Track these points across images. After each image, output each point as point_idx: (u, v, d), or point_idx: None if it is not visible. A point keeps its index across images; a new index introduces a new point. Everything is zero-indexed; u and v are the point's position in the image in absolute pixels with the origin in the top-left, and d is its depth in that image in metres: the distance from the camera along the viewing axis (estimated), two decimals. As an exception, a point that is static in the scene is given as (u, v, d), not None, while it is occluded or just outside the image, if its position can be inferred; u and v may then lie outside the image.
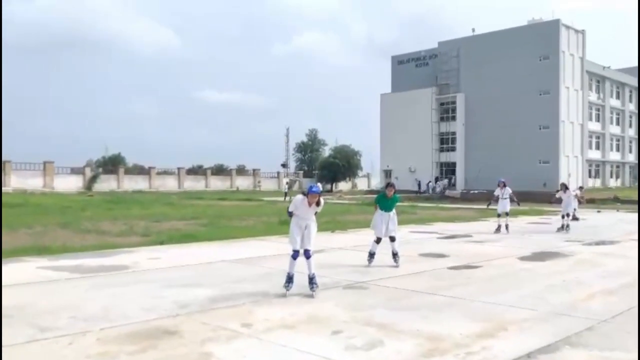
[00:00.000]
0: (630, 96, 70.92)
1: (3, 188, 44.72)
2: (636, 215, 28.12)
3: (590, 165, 62.61)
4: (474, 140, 59.98)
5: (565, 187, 20.03)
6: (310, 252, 7.83)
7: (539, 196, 43.93)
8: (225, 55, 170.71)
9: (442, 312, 6.94)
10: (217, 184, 72.96)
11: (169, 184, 68.48)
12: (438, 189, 56.90)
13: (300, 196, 7.94)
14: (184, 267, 10.20)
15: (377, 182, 72.19)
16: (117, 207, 28.18)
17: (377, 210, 10.67)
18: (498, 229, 17.51)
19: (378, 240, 10.61)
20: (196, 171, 78.27)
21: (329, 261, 10.89)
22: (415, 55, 67.79)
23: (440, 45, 64.32)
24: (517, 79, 56.33)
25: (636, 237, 16.43)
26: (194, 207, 30.09)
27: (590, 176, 61.34)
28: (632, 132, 71.08)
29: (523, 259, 11.83)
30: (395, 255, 10.56)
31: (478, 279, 9.40)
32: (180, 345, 5.38)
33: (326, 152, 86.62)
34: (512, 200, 18.37)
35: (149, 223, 19.00)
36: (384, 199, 10.63)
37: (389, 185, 10.82)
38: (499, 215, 18.07)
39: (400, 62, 68.91)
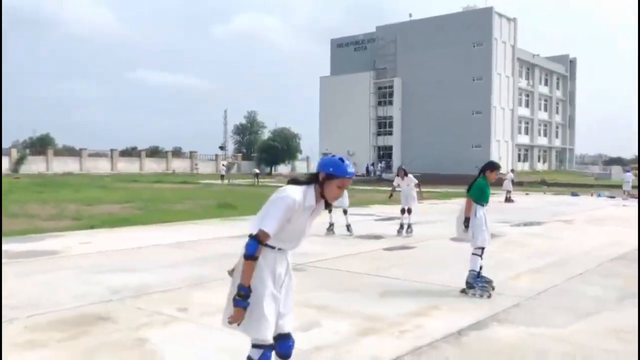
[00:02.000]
0: (558, 83, 74.00)
1: None
2: (562, 197, 29.59)
3: (520, 150, 65.14)
4: (411, 124, 61.11)
5: (404, 172, 13.25)
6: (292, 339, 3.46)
7: (471, 179, 45.46)
8: (165, 37, 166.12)
9: (378, 292, 7.08)
10: (152, 166, 71.24)
11: (101, 166, 66.27)
12: (378, 172, 57.82)
13: (300, 190, 3.27)
14: (117, 251, 9.93)
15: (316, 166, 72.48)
16: (46, 190, 27.06)
17: (474, 205, 7.21)
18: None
19: (483, 252, 7.26)
20: (130, 153, 76.14)
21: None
22: (353, 39, 68.12)
23: (378, 30, 64.87)
24: (452, 64, 57.62)
25: (562, 218, 17.29)
26: (128, 190, 29.30)
27: (519, 160, 63.83)
28: (558, 118, 74.31)
29: (455, 239, 12.18)
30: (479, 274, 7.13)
31: (413, 259, 9.65)
32: (114, 331, 5.25)
33: (265, 134, 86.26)
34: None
35: (80, 206, 18.37)
36: (487, 187, 7.28)
37: (493, 166, 7.32)
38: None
39: (339, 46, 69.09)
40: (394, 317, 5.92)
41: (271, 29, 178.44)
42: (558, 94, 74.14)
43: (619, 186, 31.02)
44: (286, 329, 3.39)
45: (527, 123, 67.31)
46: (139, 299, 6.48)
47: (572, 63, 76.52)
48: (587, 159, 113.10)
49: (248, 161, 77.91)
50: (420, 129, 59.30)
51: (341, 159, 3.29)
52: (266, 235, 3.14)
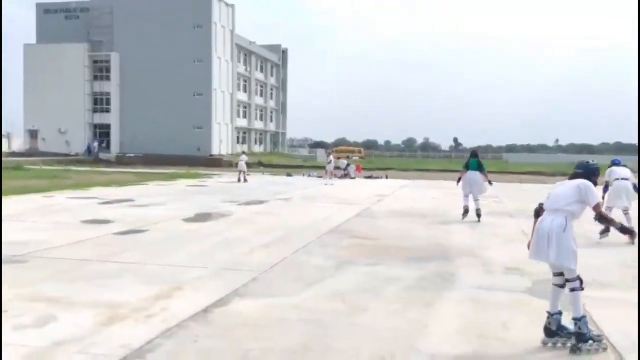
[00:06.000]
0: (272, 71, 79.12)
1: None
2: (280, 178, 31.95)
3: (239, 133, 68.00)
4: (131, 103, 58.60)
5: None
6: None
7: (194, 160, 46.04)
8: None
9: (116, 279, 6.79)
10: None
11: None
12: (96, 152, 54.08)
13: None
14: None
15: (20, 144, 64.48)
16: None
17: None
18: None
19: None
20: None
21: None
22: (64, 5, 62.02)
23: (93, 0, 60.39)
24: (173, 44, 56.94)
25: (282, 197, 18.73)
26: None
27: (238, 142, 66.61)
28: (272, 103, 79.58)
29: (187, 220, 12.31)
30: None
31: (147, 243, 9.44)
32: None
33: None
34: None
35: None
36: None
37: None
38: None
39: (47, 12, 62.13)
40: (137, 302, 5.78)
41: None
42: (272, 81, 79.27)
43: (323, 167, 34.82)
44: None
45: (245, 107, 70.53)
46: None
47: (284, 53, 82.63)
48: (296, 142, 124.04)
49: None
50: (142, 108, 57.29)
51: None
52: None
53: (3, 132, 74.01)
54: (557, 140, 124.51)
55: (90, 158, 50.38)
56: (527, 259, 7.79)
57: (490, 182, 13.63)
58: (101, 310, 5.46)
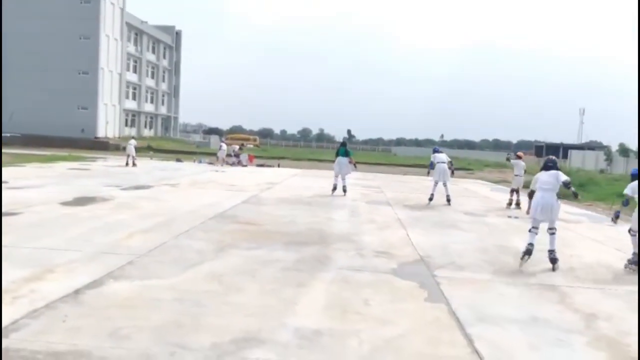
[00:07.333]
0: (164, 53, 76.69)
1: None
2: (168, 163, 31.28)
3: (127, 115, 65.40)
4: (8, 78, 54.34)
5: None
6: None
7: (78, 142, 43.82)
8: None
9: (-18, 261, 6.53)
10: None
11: None
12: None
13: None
14: None
15: None
16: None
17: None
18: None
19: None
20: None
21: None
22: None
23: (-34, -37, 55.23)
24: (57, 18, 53.55)
25: (169, 182, 18.47)
26: None
27: (126, 125, 64.07)
28: (164, 86, 77.22)
29: (65, 204, 11.88)
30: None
31: (20, 226, 9.06)
32: None
33: None
34: None
35: None
36: None
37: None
38: None
39: None
40: (4, 285, 5.63)
41: None
42: (165, 63, 76.83)
43: (216, 153, 34.49)
44: None
45: (135, 89, 67.90)
46: None
47: (178, 35, 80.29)
48: (189, 128, 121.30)
49: None
50: (20, 85, 53.32)
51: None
52: None
53: None
54: (442, 136, 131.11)
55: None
56: (396, 244, 8.42)
57: (355, 165, 17.72)
58: (-37, 293, 5.28)
